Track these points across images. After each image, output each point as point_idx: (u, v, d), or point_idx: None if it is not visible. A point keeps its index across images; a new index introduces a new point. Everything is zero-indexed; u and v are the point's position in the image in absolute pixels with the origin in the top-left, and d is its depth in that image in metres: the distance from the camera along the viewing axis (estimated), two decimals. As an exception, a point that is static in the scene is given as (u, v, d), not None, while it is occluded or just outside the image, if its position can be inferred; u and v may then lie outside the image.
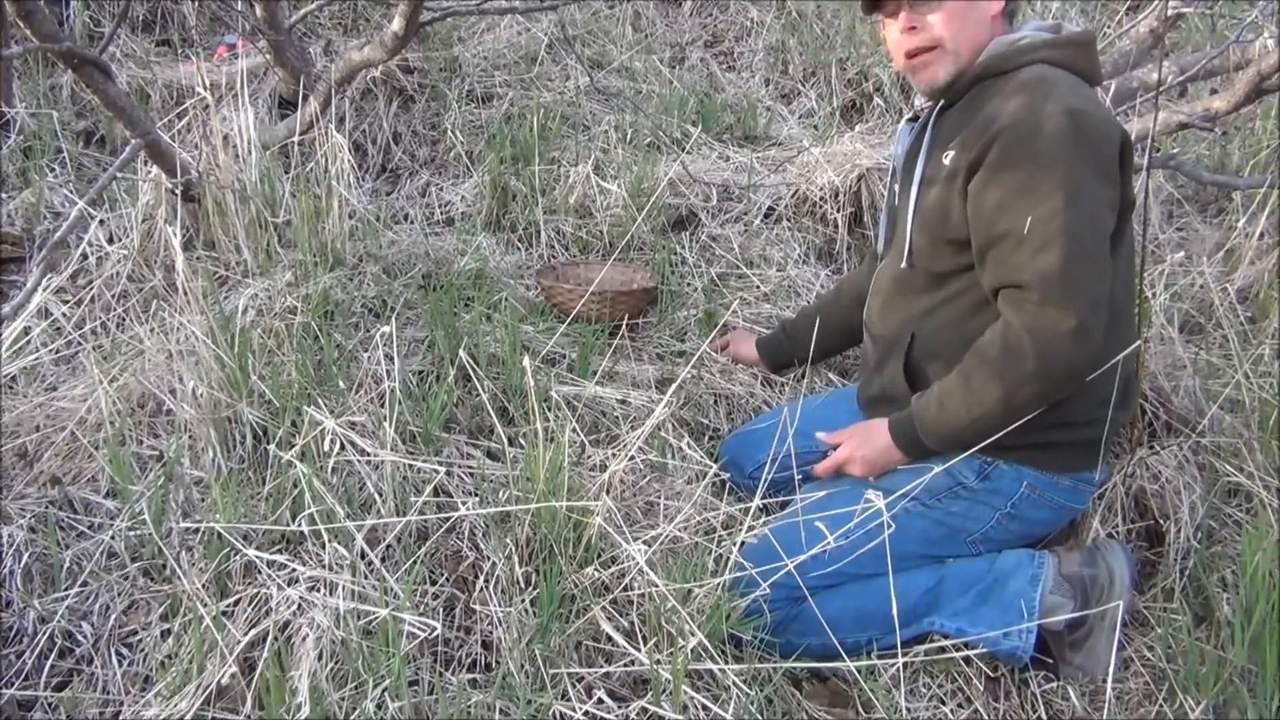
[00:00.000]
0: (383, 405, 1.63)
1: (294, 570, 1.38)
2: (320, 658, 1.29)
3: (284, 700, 1.22)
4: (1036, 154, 1.38)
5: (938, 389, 1.51)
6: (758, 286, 2.42)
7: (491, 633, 1.41)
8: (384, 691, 1.26)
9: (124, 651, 1.38)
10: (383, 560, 1.45)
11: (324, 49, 3.07)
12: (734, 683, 1.33)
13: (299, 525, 1.41)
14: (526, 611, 1.41)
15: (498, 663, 1.37)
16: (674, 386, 1.80)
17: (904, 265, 1.60)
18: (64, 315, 1.90)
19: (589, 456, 1.71)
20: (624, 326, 2.08)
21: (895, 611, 1.41)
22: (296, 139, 2.55)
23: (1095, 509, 1.69)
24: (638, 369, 2.05)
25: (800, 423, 1.71)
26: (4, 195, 2.24)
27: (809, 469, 1.66)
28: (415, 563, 1.43)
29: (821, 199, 2.63)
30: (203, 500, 1.57)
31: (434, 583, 1.48)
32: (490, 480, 1.63)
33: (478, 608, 1.44)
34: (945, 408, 1.48)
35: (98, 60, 1.85)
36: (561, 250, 2.55)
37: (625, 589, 1.44)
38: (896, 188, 1.69)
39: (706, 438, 1.97)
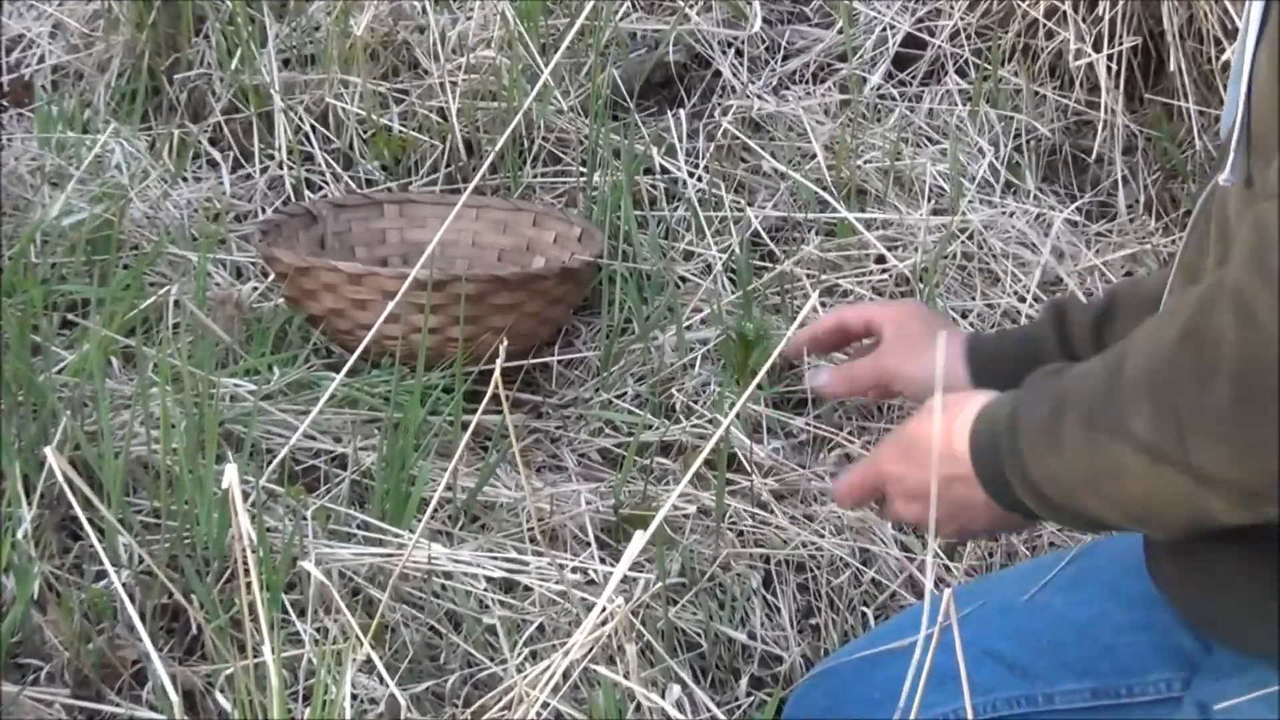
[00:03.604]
0: None
1: None
2: None
3: None
4: None
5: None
6: (879, 261, 2.53)
7: None
8: None
9: None
10: None
11: None
12: None
13: None
14: None
15: None
16: (648, 529, 1.67)
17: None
18: None
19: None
20: (495, 375, 2.04)
21: None
22: None
23: None
24: (553, 485, 2.19)
25: (998, 633, 1.88)
26: None
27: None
28: None
29: (1046, 30, 2.68)
30: None
31: None
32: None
33: None
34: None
35: None
36: (331, 169, 2.72)
37: None
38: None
39: (743, 681, 2.08)
